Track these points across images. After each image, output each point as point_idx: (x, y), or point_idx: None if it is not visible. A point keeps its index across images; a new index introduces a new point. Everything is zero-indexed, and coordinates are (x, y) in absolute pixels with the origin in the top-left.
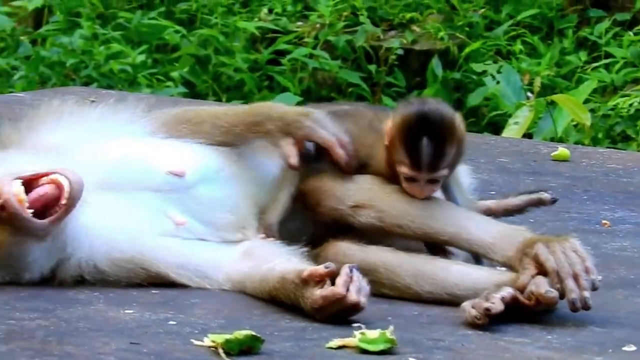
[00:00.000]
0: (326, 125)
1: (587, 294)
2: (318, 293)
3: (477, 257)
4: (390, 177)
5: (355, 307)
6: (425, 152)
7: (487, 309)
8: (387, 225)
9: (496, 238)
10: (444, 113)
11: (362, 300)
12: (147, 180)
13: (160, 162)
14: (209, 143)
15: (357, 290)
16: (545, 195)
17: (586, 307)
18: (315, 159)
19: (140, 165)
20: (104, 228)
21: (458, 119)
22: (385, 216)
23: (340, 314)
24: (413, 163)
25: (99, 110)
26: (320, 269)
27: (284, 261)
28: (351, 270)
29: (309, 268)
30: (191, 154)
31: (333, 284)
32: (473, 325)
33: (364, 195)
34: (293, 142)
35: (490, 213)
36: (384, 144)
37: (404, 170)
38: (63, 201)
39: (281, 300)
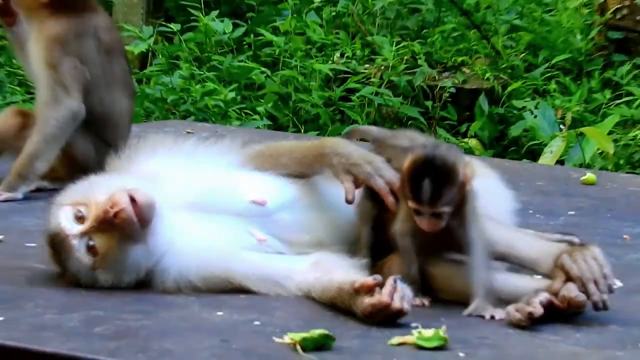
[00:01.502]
0: (384, 173)
1: (605, 296)
2: (367, 301)
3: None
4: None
5: (399, 313)
6: (425, 189)
7: (530, 313)
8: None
9: (540, 254)
10: (447, 158)
11: (405, 306)
12: (233, 206)
13: (245, 191)
14: (287, 174)
15: (400, 298)
16: (575, 240)
17: (605, 307)
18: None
19: (227, 193)
20: (193, 244)
21: (461, 165)
22: None
23: (387, 318)
24: (415, 197)
25: (192, 142)
26: (369, 280)
27: (343, 273)
28: (395, 281)
29: (360, 279)
30: (272, 185)
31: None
32: (517, 326)
33: None
34: (353, 180)
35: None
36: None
37: (410, 203)
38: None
39: (340, 307)
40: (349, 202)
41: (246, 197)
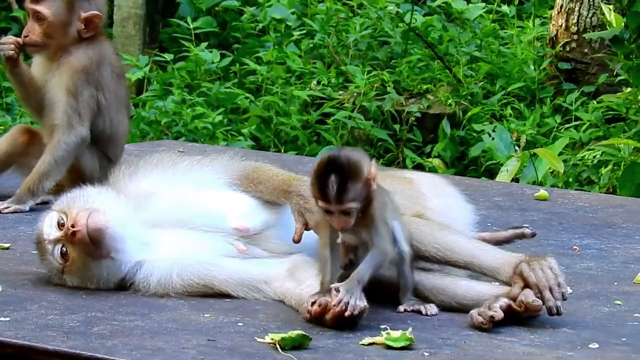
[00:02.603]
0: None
1: (559, 302)
2: (327, 318)
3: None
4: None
5: (353, 316)
6: (330, 186)
7: (492, 317)
8: (422, 252)
9: (500, 263)
10: (350, 156)
11: (355, 311)
12: (217, 228)
13: (229, 217)
14: (266, 199)
15: (347, 303)
16: (526, 230)
17: (559, 313)
18: None
19: (212, 217)
20: (174, 254)
21: (366, 163)
22: (417, 249)
23: (351, 322)
24: (323, 196)
25: (186, 163)
26: (315, 308)
27: (308, 287)
28: (337, 290)
29: (311, 308)
30: (254, 208)
31: None
32: (479, 328)
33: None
34: (304, 223)
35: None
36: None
37: (319, 204)
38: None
39: None
40: (295, 241)
41: (231, 223)
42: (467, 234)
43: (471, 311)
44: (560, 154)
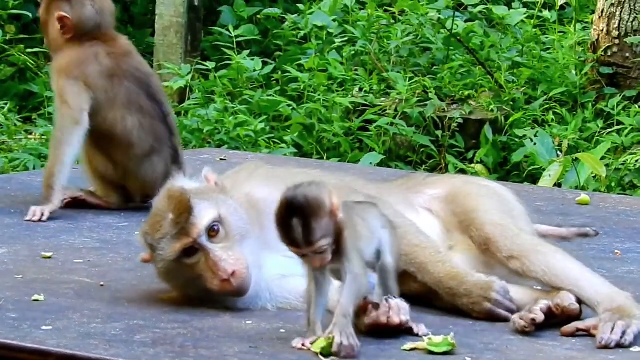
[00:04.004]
0: None
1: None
2: (365, 321)
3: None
4: None
5: (400, 326)
6: (295, 231)
7: (533, 319)
8: (526, 273)
9: (602, 299)
10: (307, 194)
11: (403, 319)
12: None
13: None
14: None
15: (396, 313)
16: (590, 231)
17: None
18: None
19: None
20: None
21: (325, 195)
22: (527, 269)
23: (390, 332)
24: (291, 242)
25: (285, 169)
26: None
27: None
28: (387, 300)
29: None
30: None
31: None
32: (521, 332)
33: (516, 249)
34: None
35: (543, 237)
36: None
37: (290, 250)
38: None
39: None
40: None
41: None
42: (576, 260)
43: (512, 316)
44: (602, 158)
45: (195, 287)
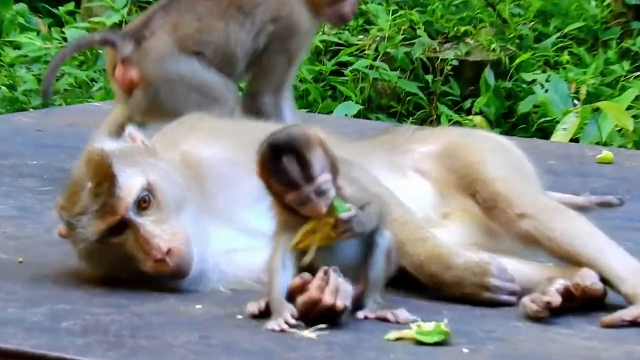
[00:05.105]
0: None
1: None
2: (299, 300)
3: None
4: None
5: (333, 309)
6: (291, 169)
7: (548, 303)
8: (539, 236)
9: (629, 274)
10: (291, 132)
11: (338, 302)
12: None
13: None
14: None
15: (331, 292)
16: (613, 199)
17: None
18: None
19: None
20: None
21: (310, 132)
22: (541, 230)
23: (324, 317)
24: (289, 184)
25: (234, 123)
26: (296, 280)
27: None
28: (325, 273)
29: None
30: None
31: None
32: (534, 318)
33: (530, 207)
34: None
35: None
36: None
37: (289, 197)
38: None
39: None
40: None
41: None
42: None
43: (522, 299)
44: (628, 107)
45: (125, 269)
